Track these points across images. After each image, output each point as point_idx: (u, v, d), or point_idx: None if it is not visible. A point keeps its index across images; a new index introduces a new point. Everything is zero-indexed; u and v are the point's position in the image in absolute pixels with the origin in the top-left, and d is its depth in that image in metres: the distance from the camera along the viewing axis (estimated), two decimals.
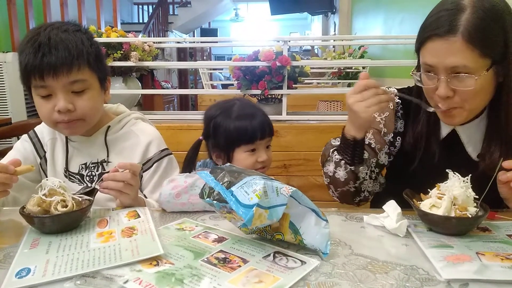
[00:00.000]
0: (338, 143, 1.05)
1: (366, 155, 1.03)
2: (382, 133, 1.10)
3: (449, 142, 1.03)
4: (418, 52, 0.95)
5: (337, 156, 1.02)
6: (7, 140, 3.54)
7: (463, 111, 0.93)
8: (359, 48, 3.82)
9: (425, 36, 0.90)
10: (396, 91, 1.10)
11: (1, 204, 0.99)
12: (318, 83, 4.37)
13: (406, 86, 1.11)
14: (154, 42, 1.87)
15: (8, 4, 4.20)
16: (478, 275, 0.63)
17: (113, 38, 1.74)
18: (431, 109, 0.95)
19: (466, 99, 0.90)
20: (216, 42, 4.19)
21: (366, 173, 1.04)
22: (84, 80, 0.98)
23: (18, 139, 3.75)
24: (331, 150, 1.06)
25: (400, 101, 1.10)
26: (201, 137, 1.14)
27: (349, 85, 4.04)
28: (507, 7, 0.88)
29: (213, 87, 4.24)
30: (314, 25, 10.69)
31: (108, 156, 1.10)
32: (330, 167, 1.04)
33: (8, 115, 3.71)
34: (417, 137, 1.03)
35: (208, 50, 9.28)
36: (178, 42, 4.41)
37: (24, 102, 3.89)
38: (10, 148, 3.80)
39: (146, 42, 1.81)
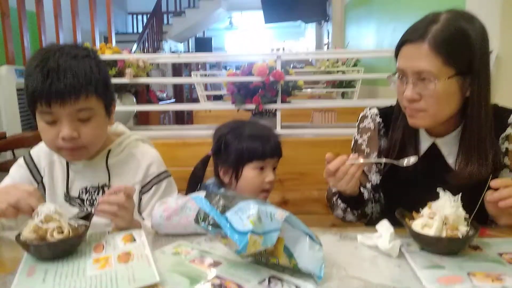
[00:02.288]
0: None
1: (365, 195, 1.10)
2: (366, 153, 1.15)
3: (430, 156, 1.06)
4: (396, 58, 1.02)
5: (342, 205, 1.10)
6: (2, 154, 3.53)
7: (426, 116, 0.98)
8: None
9: (401, 41, 0.98)
10: (377, 110, 1.16)
11: (1, 229, 0.99)
12: (312, 92, 4.40)
13: (389, 106, 1.15)
14: (149, 58, 1.89)
15: (1, 17, 4.21)
16: None
17: (108, 55, 1.76)
18: (404, 162, 0.99)
19: (429, 104, 0.96)
20: (211, 55, 4.20)
21: (372, 207, 1.13)
22: (90, 109, 0.98)
23: (13, 153, 3.69)
24: (334, 198, 1.13)
25: (381, 119, 1.14)
26: (210, 152, 1.17)
27: (343, 94, 4.07)
28: (482, 32, 0.95)
29: (208, 97, 4.26)
30: (308, 32, 10.79)
31: (109, 181, 1.10)
32: (339, 212, 1.13)
33: (2, 129, 3.70)
34: (399, 152, 1.07)
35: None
36: (173, 52, 4.42)
37: (19, 115, 3.88)
38: (5, 162, 3.74)
39: (141, 59, 1.82)
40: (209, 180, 1.20)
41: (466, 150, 1.00)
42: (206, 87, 3.68)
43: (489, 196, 0.87)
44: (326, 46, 7.08)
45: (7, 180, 1.12)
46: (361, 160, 0.96)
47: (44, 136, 1.00)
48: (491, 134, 0.99)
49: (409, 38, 0.95)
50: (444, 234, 0.80)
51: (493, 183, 0.86)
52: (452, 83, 0.94)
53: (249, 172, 1.11)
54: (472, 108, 0.97)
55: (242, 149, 1.10)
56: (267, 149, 1.11)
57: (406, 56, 0.96)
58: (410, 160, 0.97)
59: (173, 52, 9.30)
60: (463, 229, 0.80)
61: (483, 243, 0.85)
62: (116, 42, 5.33)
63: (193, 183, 1.18)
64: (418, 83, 0.95)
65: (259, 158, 1.10)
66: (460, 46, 0.93)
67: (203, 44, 11.74)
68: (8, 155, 3.54)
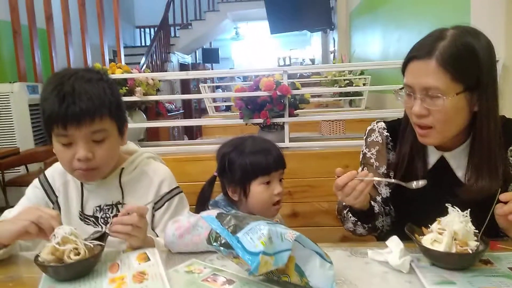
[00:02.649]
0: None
1: (376, 208, 1.11)
2: (375, 167, 1.16)
3: (439, 169, 1.07)
4: (403, 74, 1.03)
5: (353, 218, 1.11)
6: (16, 169, 3.60)
7: (435, 132, 0.99)
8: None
9: (408, 57, 0.99)
10: (384, 124, 1.16)
11: (19, 249, 1.01)
12: (319, 100, 4.42)
13: (396, 118, 1.16)
14: (158, 76, 1.93)
15: (14, 35, 4.32)
16: None
17: (118, 75, 1.80)
18: (413, 185, 0.99)
19: (438, 119, 0.96)
20: (218, 72, 4.25)
21: (383, 220, 1.13)
22: (104, 130, 1.01)
23: (27, 167, 3.76)
24: (345, 212, 1.13)
25: (388, 134, 1.15)
26: (215, 173, 1.18)
27: (350, 102, 4.07)
28: (488, 47, 0.96)
29: (216, 108, 4.30)
30: (313, 40, 10.83)
31: (123, 198, 1.13)
32: (349, 225, 1.13)
33: (15, 144, 3.78)
34: (408, 167, 1.07)
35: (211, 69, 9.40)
36: (181, 64, 4.47)
37: (31, 130, 3.96)
38: (19, 177, 3.81)
39: (150, 77, 1.86)
40: (218, 196, 1.21)
41: (475, 164, 1.00)
42: (214, 98, 3.72)
43: (499, 209, 0.87)
44: (332, 54, 7.10)
45: (23, 200, 1.15)
46: (370, 178, 0.96)
47: (61, 158, 1.03)
48: (500, 147, 0.99)
49: (416, 54, 0.96)
50: (454, 250, 0.80)
51: (503, 196, 0.87)
52: (460, 99, 0.94)
53: (257, 188, 1.12)
54: (481, 122, 0.97)
55: (246, 166, 1.11)
56: (271, 163, 1.12)
57: (413, 72, 0.97)
58: (419, 183, 0.97)
59: (181, 63, 9.41)
60: (472, 244, 0.81)
61: (494, 257, 0.85)
62: (125, 55, 5.43)
63: (201, 204, 1.19)
64: (426, 99, 0.95)
65: (264, 173, 1.11)
66: (468, 62, 0.93)
67: (210, 55, 11.84)
68: (21, 169, 3.61)
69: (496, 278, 0.77)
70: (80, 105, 0.95)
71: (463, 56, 0.93)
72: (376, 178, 1.02)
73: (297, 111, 1.96)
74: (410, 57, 0.98)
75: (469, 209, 0.84)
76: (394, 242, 0.87)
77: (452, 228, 0.82)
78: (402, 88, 1.03)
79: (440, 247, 0.81)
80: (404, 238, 0.88)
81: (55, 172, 1.17)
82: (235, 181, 1.13)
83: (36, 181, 1.17)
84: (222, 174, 1.17)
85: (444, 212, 0.85)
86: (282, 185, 1.16)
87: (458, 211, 0.84)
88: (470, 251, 0.80)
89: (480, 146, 0.99)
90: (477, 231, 0.83)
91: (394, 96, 1.07)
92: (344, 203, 1.14)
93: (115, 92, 1.05)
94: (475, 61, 0.93)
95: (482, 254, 0.82)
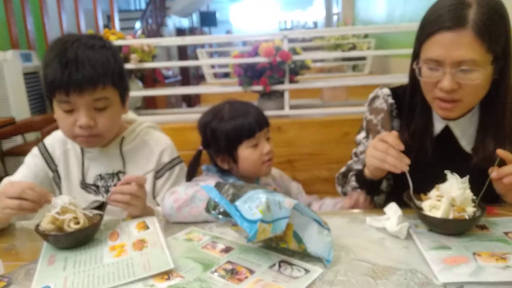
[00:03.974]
0: (358, 167, 1.10)
1: (383, 185, 1.06)
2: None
3: (442, 138, 1.05)
4: (419, 48, 0.96)
5: (354, 183, 1.08)
6: (13, 138, 3.58)
7: (462, 105, 0.95)
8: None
9: (432, 30, 0.90)
10: (389, 91, 1.13)
11: (16, 218, 1.02)
12: (321, 65, 4.33)
13: (399, 85, 1.13)
14: (153, 42, 1.87)
15: (4, 1, 4.18)
16: (473, 277, 0.66)
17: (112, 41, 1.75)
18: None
19: (469, 93, 0.91)
20: (217, 37, 4.14)
21: (382, 199, 1.09)
22: (107, 98, 1.00)
23: (24, 137, 3.76)
24: (350, 174, 1.11)
25: (394, 101, 1.12)
26: (200, 147, 1.17)
27: (353, 66, 4.00)
28: (505, 7, 0.90)
29: (215, 75, 4.23)
30: (316, 1, 10.50)
31: (124, 167, 1.13)
32: (347, 189, 1.12)
33: (10, 114, 3.74)
34: (412, 135, 1.06)
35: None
36: (177, 29, 4.37)
37: (27, 99, 3.91)
38: (17, 147, 3.82)
39: (144, 43, 1.81)
40: (203, 166, 1.20)
41: (485, 132, 0.98)
42: (213, 65, 3.65)
43: (494, 172, 0.86)
44: (336, 16, 6.92)
45: (23, 169, 1.15)
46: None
47: (62, 124, 1.03)
48: (511, 115, 0.97)
49: (445, 25, 0.87)
50: (451, 216, 0.81)
51: (500, 151, 0.86)
52: (491, 69, 0.89)
53: (244, 152, 1.10)
54: (499, 90, 0.93)
55: (228, 133, 1.08)
56: (253, 124, 1.09)
57: (443, 45, 0.89)
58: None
59: (177, 28, 9.19)
60: (470, 210, 0.82)
61: (490, 223, 0.86)
62: (119, 20, 5.28)
63: (188, 178, 1.18)
64: (457, 73, 0.89)
65: (249, 136, 1.09)
66: (499, 28, 0.87)
67: (208, 18, 11.54)
68: (18, 139, 3.60)
69: (491, 242, 0.78)
70: (83, 73, 0.94)
71: (495, 23, 0.87)
72: (405, 169, 0.89)
73: (298, 77, 1.93)
74: (437, 29, 0.89)
75: (468, 176, 0.83)
76: (392, 209, 0.88)
77: (450, 195, 0.82)
78: (415, 59, 0.98)
79: (438, 213, 0.81)
80: (402, 205, 0.88)
81: (54, 141, 1.16)
82: (221, 150, 1.11)
83: (35, 150, 1.17)
84: (207, 146, 1.15)
85: (445, 180, 0.85)
86: (270, 143, 1.14)
87: (457, 177, 0.83)
88: (467, 217, 0.80)
89: (494, 114, 0.96)
90: (475, 197, 0.84)
91: (414, 69, 0.97)
92: (355, 167, 1.13)
93: (118, 60, 1.03)
94: (504, 26, 0.88)
95: (478, 220, 0.82)
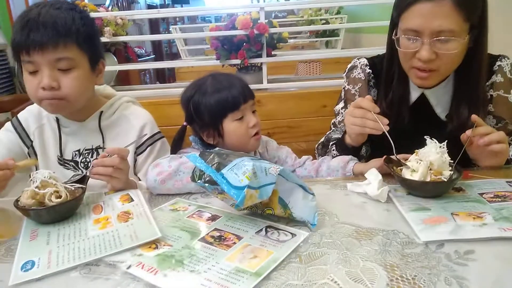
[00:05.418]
0: (337, 136, 1.12)
1: (363, 151, 1.10)
2: None
3: (418, 106, 1.08)
4: (398, 18, 0.97)
5: (335, 152, 1.10)
6: None
7: (438, 75, 0.97)
8: None
9: (410, 0, 0.91)
10: (366, 61, 1.14)
11: None
12: (295, 42, 4.33)
13: (376, 55, 1.15)
14: (127, 15, 1.81)
15: None
16: (452, 235, 0.69)
17: None
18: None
19: (446, 62, 0.93)
20: (192, 9, 4.04)
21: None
22: (70, 58, 0.97)
23: None
24: (330, 144, 1.13)
25: (371, 70, 1.14)
26: (185, 123, 1.13)
27: (326, 43, 4.01)
28: None
29: (189, 52, 4.14)
30: None
31: (103, 143, 1.11)
32: (328, 159, 1.12)
33: None
34: (390, 103, 1.08)
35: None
36: (150, 5, 4.23)
37: None
38: None
39: (118, 16, 1.75)
40: (190, 137, 1.17)
41: (460, 100, 1.01)
42: (186, 41, 3.57)
43: (468, 131, 0.90)
44: None
45: None
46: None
47: (28, 87, 1.00)
48: (485, 82, 1.00)
49: None
50: (428, 179, 0.84)
51: (474, 116, 0.90)
52: (467, 38, 0.91)
53: (230, 126, 1.06)
54: (474, 59, 0.96)
55: (212, 106, 1.05)
56: (237, 96, 1.05)
57: (422, 15, 0.90)
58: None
59: (148, 4, 8.88)
60: (447, 173, 0.85)
61: (466, 185, 0.90)
62: None
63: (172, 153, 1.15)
64: (435, 43, 0.91)
65: (234, 109, 1.06)
66: None
67: None
68: None
69: (467, 203, 0.81)
70: (43, 31, 0.92)
71: None
72: (386, 130, 0.92)
73: (275, 51, 1.92)
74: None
75: (446, 141, 0.86)
76: (372, 174, 0.90)
77: (428, 159, 0.85)
78: (393, 31, 0.98)
79: (416, 177, 0.84)
80: (382, 171, 0.91)
81: (29, 115, 1.13)
82: (206, 125, 1.08)
83: (8, 125, 1.13)
84: (191, 121, 1.11)
85: (422, 146, 0.88)
86: (256, 115, 1.12)
87: (436, 143, 0.86)
88: (444, 180, 0.84)
89: (469, 82, 0.99)
90: (452, 161, 0.87)
91: (393, 39, 0.98)
92: (334, 137, 1.14)
93: (87, 23, 1.00)
94: None
95: (455, 183, 0.86)
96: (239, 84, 1.08)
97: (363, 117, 0.92)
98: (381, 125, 0.90)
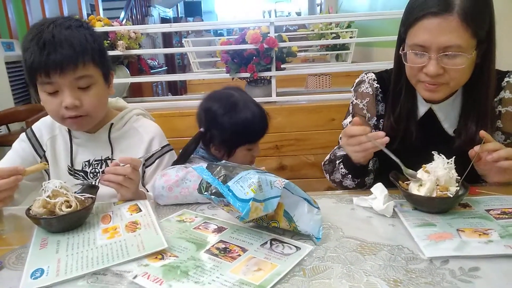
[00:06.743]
0: (342, 153, 1.12)
1: (370, 165, 1.09)
2: (367, 118, 1.16)
3: (426, 121, 1.08)
4: (405, 33, 0.98)
5: (343, 170, 1.10)
6: None
7: (447, 88, 0.97)
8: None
9: (418, 15, 0.92)
10: (374, 75, 1.15)
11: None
12: (305, 55, 4.36)
13: (384, 70, 1.15)
14: (140, 29, 1.86)
15: None
16: (457, 251, 0.69)
17: (98, 28, 1.73)
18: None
19: (453, 77, 0.94)
20: (204, 24, 4.12)
21: (372, 178, 1.12)
22: (89, 76, 1.00)
23: (8, 127, 3.69)
24: (337, 162, 1.13)
25: (379, 85, 1.14)
26: (202, 129, 1.14)
27: (337, 56, 4.04)
28: None
29: (200, 64, 4.20)
30: None
31: (112, 154, 1.13)
32: (337, 176, 1.13)
33: None
34: (397, 118, 1.08)
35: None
36: (162, 18, 4.31)
37: (10, 89, 3.83)
38: (1, 137, 3.74)
39: (132, 30, 1.79)
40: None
41: (467, 115, 1.01)
42: (197, 54, 3.62)
43: (476, 147, 0.89)
44: (319, 7, 6.92)
45: (11, 154, 1.14)
46: (379, 143, 0.90)
47: (48, 107, 1.02)
48: (493, 98, 1.00)
49: (432, 10, 0.89)
50: (434, 194, 0.84)
51: (482, 132, 0.89)
52: (474, 54, 0.92)
53: (241, 152, 1.14)
54: (482, 75, 0.96)
55: (237, 134, 1.10)
56: (260, 134, 1.14)
57: (429, 30, 0.90)
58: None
59: (162, 17, 9.06)
60: (453, 189, 0.84)
61: (472, 201, 0.89)
62: (103, 9, 5.18)
63: (183, 161, 1.17)
64: (443, 58, 0.91)
65: (253, 142, 1.14)
66: (484, 13, 0.89)
67: (193, 8, 11.42)
68: (3, 129, 3.53)
69: (473, 219, 0.81)
70: (62, 52, 0.94)
71: (480, 8, 0.89)
72: (383, 147, 0.92)
73: (284, 65, 1.94)
74: (423, 14, 0.90)
75: (454, 157, 0.86)
76: (378, 189, 0.90)
77: (436, 174, 0.85)
78: (401, 46, 0.99)
79: (422, 192, 0.84)
80: (388, 186, 0.91)
81: (42, 126, 1.16)
82: (221, 142, 1.11)
83: (23, 135, 1.16)
84: (209, 131, 1.13)
85: (430, 161, 0.88)
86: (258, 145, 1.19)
87: (443, 158, 0.86)
88: (450, 196, 0.83)
89: (477, 98, 0.99)
90: (459, 177, 0.86)
91: (400, 54, 0.99)
92: (338, 154, 1.15)
93: (97, 39, 1.03)
94: (488, 11, 0.90)
95: (461, 198, 0.85)
96: (265, 119, 1.14)
97: (360, 143, 0.94)
98: (380, 141, 0.91)
